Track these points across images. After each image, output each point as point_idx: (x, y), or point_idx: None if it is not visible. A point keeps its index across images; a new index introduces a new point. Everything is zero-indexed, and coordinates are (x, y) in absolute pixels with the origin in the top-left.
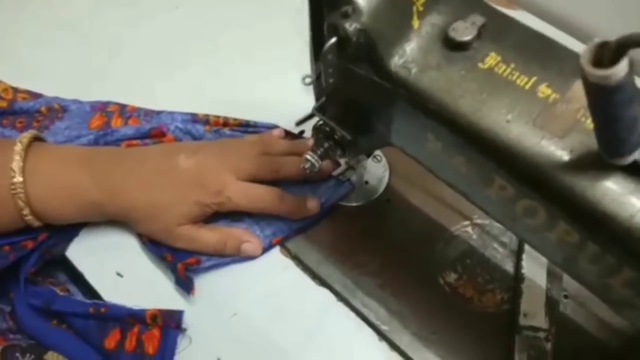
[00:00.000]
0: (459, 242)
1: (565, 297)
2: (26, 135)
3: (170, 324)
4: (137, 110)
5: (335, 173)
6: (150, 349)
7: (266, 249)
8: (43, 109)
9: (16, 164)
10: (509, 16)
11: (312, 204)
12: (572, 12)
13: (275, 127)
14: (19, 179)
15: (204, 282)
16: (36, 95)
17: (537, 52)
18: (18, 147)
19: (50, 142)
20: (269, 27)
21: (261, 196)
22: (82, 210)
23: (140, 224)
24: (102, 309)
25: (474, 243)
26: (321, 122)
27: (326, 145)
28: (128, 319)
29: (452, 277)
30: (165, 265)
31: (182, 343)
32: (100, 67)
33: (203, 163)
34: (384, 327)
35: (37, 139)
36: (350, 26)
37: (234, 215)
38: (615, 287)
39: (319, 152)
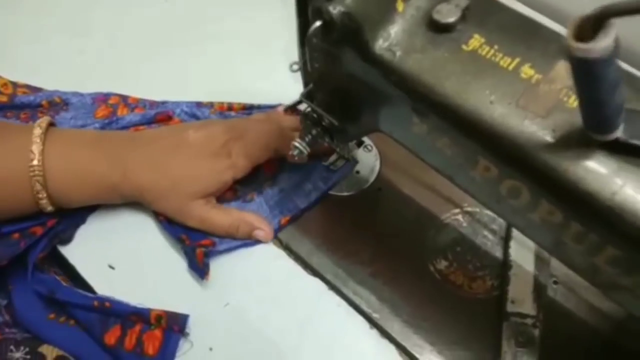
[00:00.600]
0: (449, 229)
1: (555, 282)
2: (44, 120)
3: (173, 326)
4: (142, 101)
5: (326, 163)
6: (150, 349)
7: (276, 232)
8: (44, 102)
9: (36, 147)
10: None
11: None
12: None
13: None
14: (37, 162)
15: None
16: (36, 89)
17: (521, 34)
18: (37, 131)
19: None
20: (258, 16)
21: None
22: (97, 192)
23: (155, 203)
24: (107, 304)
25: (464, 231)
26: (309, 109)
27: (314, 132)
28: (131, 316)
29: (442, 264)
30: (181, 247)
31: (183, 346)
32: (89, 61)
33: (212, 133)
34: (375, 315)
35: (50, 124)
36: (335, 9)
37: (245, 196)
38: (600, 266)
39: (307, 139)
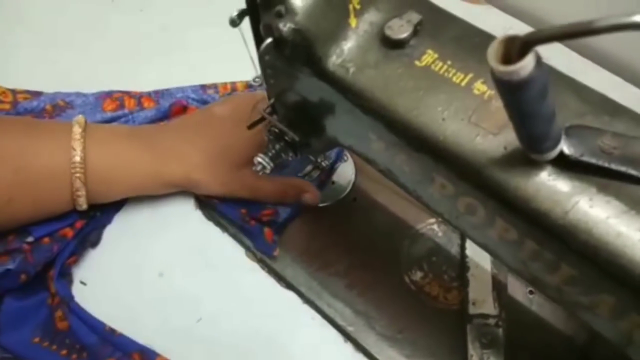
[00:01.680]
0: (425, 239)
1: (531, 292)
2: (81, 118)
3: None
4: (145, 92)
5: (301, 174)
6: None
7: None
8: (48, 106)
9: (78, 144)
10: (447, 12)
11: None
12: (538, 6)
13: None
14: (79, 159)
15: (167, 286)
16: (36, 94)
17: (475, 48)
18: (77, 129)
19: None
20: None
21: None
22: (141, 182)
23: (201, 184)
24: (117, 332)
25: (439, 240)
26: (272, 124)
27: (277, 146)
28: (134, 354)
29: (417, 275)
30: (240, 227)
31: None
32: (64, 71)
33: (238, 102)
34: (349, 328)
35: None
36: (285, 26)
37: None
38: (559, 285)
39: (270, 154)
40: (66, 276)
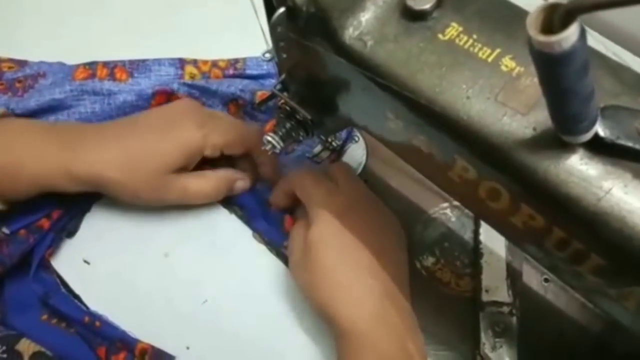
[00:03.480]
0: (437, 224)
1: (546, 280)
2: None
3: None
4: (121, 60)
5: (309, 155)
6: None
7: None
8: (20, 77)
9: None
10: None
11: None
12: None
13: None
14: None
15: (173, 269)
16: (21, 63)
17: (502, 22)
18: None
19: (36, 101)
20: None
21: (242, 131)
22: (47, 176)
23: (112, 184)
24: (97, 323)
25: (452, 226)
26: (282, 102)
27: (288, 125)
28: (117, 342)
29: (429, 261)
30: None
31: None
32: (63, 48)
33: (172, 106)
34: None
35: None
36: None
37: None
38: (585, 275)
39: (280, 133)
40: (46, 269)
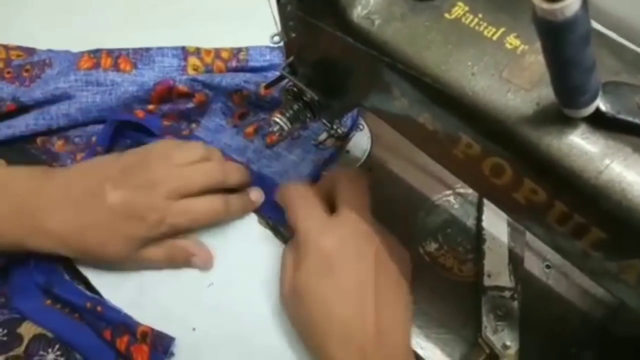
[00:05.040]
0: (440, 211)
1: (548, 267)
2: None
3: (158, 347)
4: (125, 49)
5: (315, 142)
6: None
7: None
8: (28, 67)
9: None
10: None
11: (256, 195)
12: None
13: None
14: None
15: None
16: (29, 51)
17: (507, 1)
18: None
19: (41, 91)
20: None
21: (205, 209)
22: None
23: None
24: (99, 308)
25: (455, 212)
26: (290, 83)
27: (295, 107)
28: (120, 325)
29: (432, 246)
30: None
31: None
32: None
33: (132, 194)
34: None
35: None
36: None
37: None
38: (587, 251)
39: (287, 115)
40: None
